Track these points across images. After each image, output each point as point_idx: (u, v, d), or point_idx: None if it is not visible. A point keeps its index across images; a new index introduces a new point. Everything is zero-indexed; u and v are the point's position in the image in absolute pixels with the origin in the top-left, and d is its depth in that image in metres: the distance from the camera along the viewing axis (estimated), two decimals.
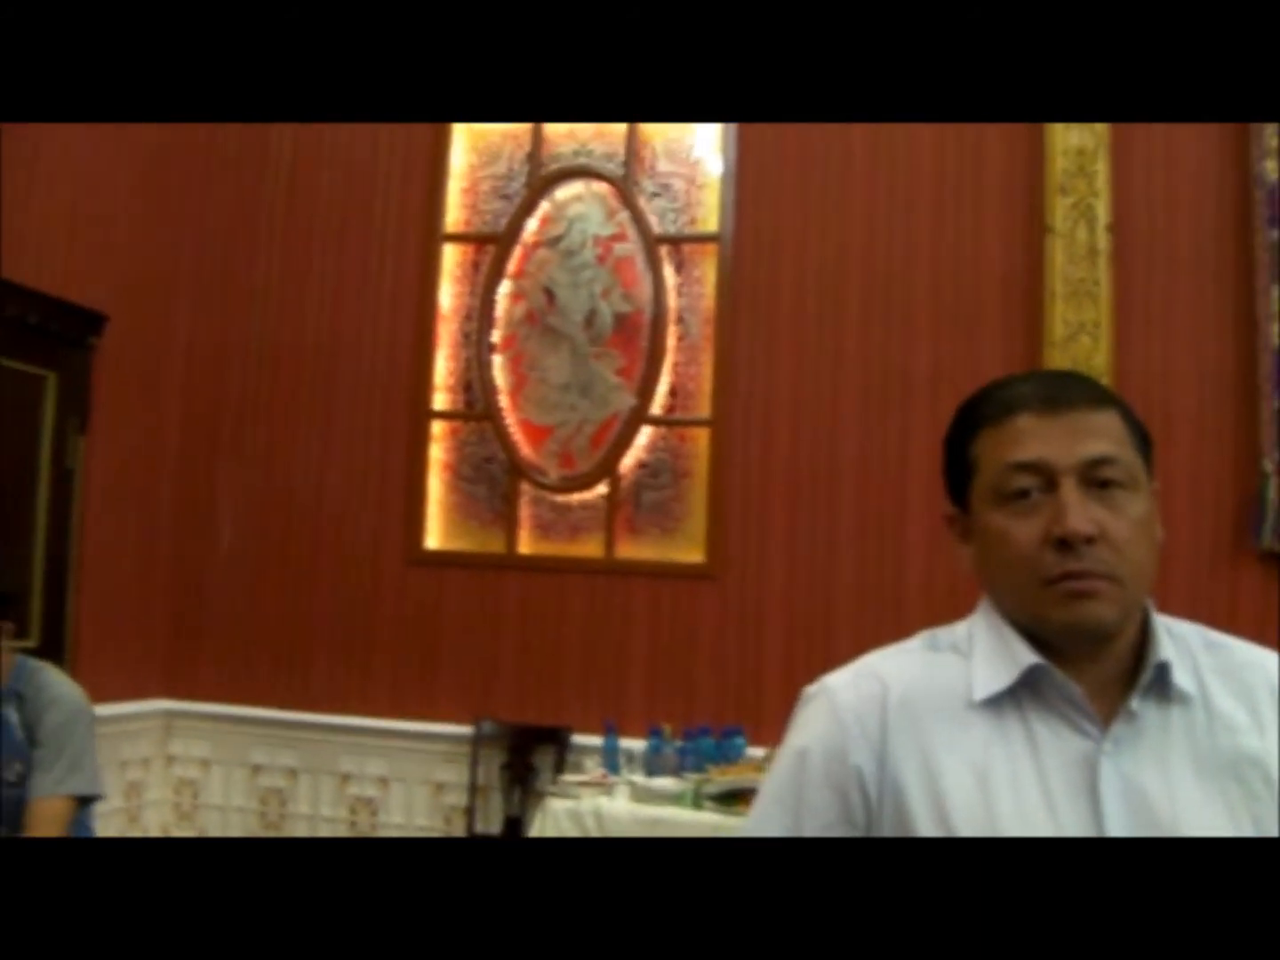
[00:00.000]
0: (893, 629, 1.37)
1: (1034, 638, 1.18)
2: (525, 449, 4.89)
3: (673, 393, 4.80)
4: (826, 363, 4.59)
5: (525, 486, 4.89)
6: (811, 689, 1.27)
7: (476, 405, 4.95)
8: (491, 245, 4.98)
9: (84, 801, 2.83)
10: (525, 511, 4.90)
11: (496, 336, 4.95)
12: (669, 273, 4.82)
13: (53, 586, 4.43)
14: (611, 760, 4.38)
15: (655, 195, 4.86)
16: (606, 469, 4.79)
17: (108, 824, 4.24)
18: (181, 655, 5.07)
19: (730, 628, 4.61)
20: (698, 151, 4.84)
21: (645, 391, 4.77)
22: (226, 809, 5.00)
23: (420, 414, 4.96)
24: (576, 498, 4.84)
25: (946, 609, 1.35)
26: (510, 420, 4.91)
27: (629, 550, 4.77)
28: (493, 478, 4.92)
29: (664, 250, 4.83)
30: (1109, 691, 1.16)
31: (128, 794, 4.84)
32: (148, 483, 5.02)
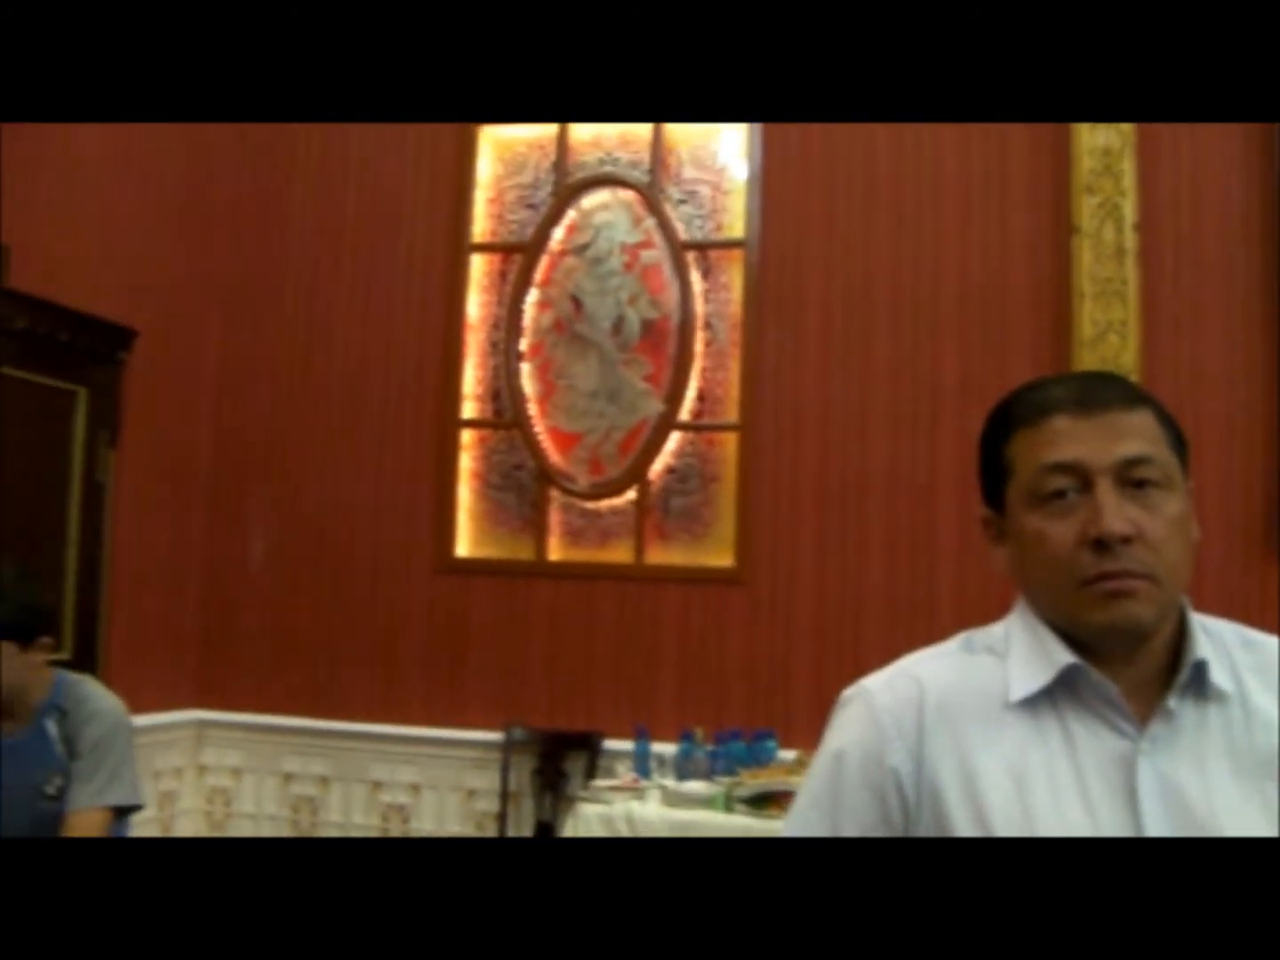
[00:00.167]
0: (923, 633, 1.37)
1: (1070, 638, 1.18)
2: (554, 456, 4.90)
3: (700, 398, 4.80)
4: (854, 366, 4.59)
5: (554, 493, 4.90)
6: (849, 692, 1.27)
7: (505, 413, 4.97)
8: (518, 254, 5.00)
9: (122, 812, 2.83)
10: (554, 518, 4.91)
11: (524, 345, 4.96)
12: (696, 279, 4.82)
13: (84, 599, 4.46)
14: (643, 765, 4.38)
15: (681, 202, 4.87)
16: (635, 475, 4.80)
17: (141, 833, 4.24)
18: (213, 665, 5.09)
19: (760, 632, 4.60)
20: (723, 158, 4.84)
21: (673, 397, 4.77)
22: (259, 817, 5.03)
23: (449, 423, 4.98)
24: (606, 504, 4.85)
25: (977, 613, 1.35)
26: (539, 428, 4.92)
27: (658, 556, 4.78)
28: (522, 485, 4.94)
29: (690, 256, 4.83)
30: (1146, 691, 1.16)
31: (161, 804, 4.87)
32: (178, 495, 5.05)
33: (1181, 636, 1.18)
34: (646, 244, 4.87)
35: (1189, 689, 1.16)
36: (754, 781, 4.01)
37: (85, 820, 2.71)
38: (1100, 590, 1.13)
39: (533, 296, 4.97)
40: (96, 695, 2.86)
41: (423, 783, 4.85)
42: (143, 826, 4.42)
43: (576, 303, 4.91)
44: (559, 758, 4.65)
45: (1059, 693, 1.17)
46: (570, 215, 4.97)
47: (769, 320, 4.69)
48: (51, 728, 2.77)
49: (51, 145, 4.21)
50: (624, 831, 3.93)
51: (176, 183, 4.97)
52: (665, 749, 4.41)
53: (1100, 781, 1.13)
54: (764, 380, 4.68)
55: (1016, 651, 1.21)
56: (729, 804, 3.97)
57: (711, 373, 4.79)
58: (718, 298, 4.81)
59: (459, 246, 5.03)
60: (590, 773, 4.55)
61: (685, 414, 4.80)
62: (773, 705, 4.51)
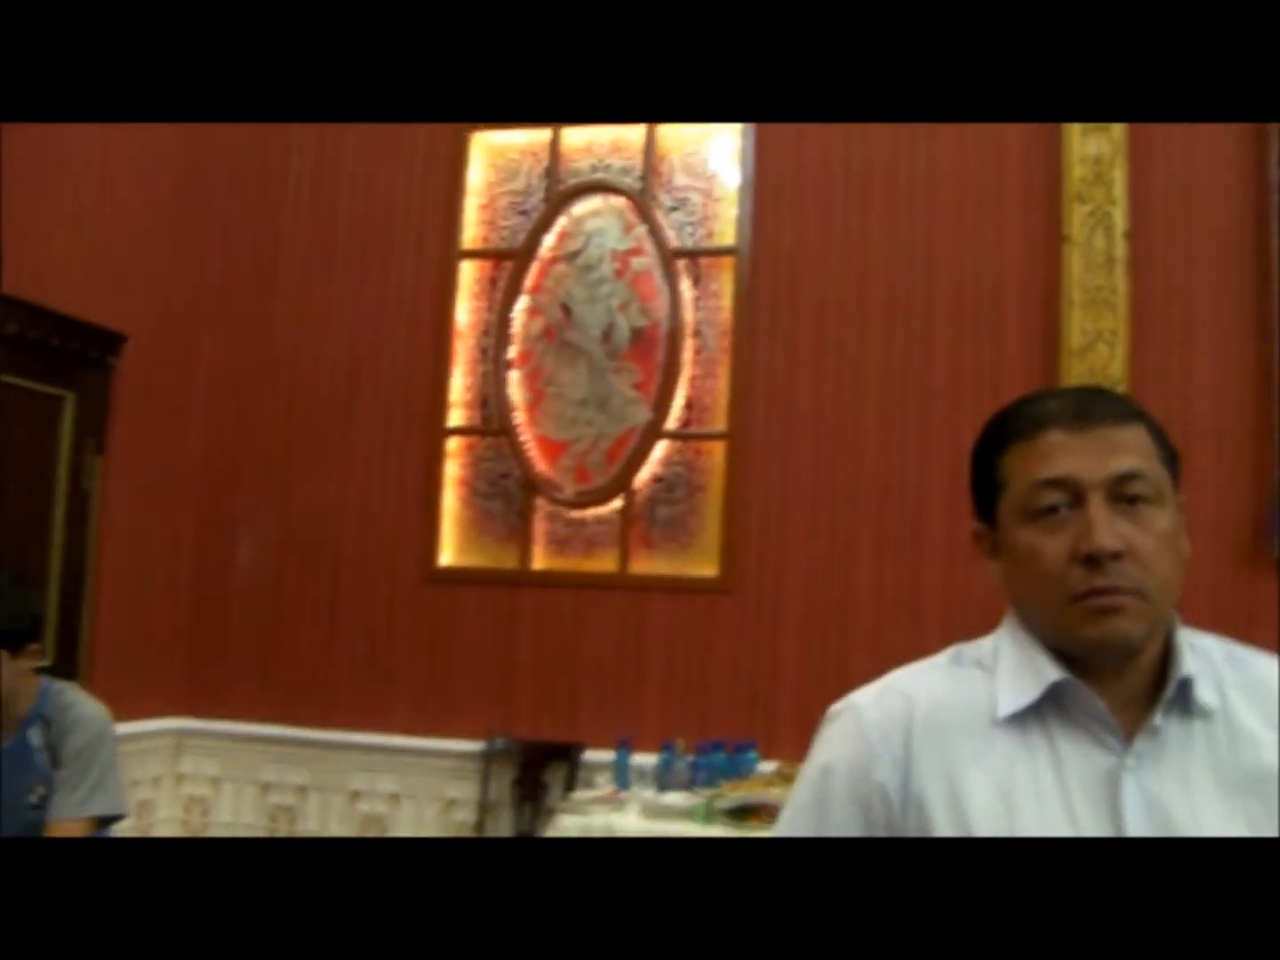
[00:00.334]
0: (910, 644, 1.37)
1: (1060, 653, 1.18)
2: (541, 464, 4.86)
3: (689, 406, 4.76)
4: (844, 375, 4.55)
5: (540, 502, 4.86)
6: (837, 706, 1.28)
7: (492, 421, 4.93)
8: (509, 261, 4.98)
9: (105, 821, 2.79)
10: (540, 527, 4.87)
11: (513, 352, 4.94)
12: (686, 286, 4.80)
13: (68, 606, 4.42)
14: (623, 776, 4.32)
15: (673, 209, 4.85)
16: (622, 484, 4.76)
17: None
18: (200, 673, 5.06)
19: (745, 642, 4.55)
20: (714, 165, 4.83)
21: (661, 405, 4.74)
22: (236, 826, 4.96)
23: (436, 430, 4.95)
24: (591, 513, 4.81)
25: (964, 624, 1.36)
26: (526, 436, 4.89)
27: (644, 565, 4.73)
28: (508, 493, 4.90)
29: (681, 264, 4.81)
30: (1133, 707, 1.17)
31: (139, 813, 4.80)
32: (166, 502, 5.02)
33: (1168, 652, 1.19)
34: (637, 251, 4.85)
35: (1175, 705, 1.17)
36: (734, 793, 3.95)
37: (68, 830, 2.69)
38: (1091, 606, 1.14)
39: (523, 303, 4.95)
40: (80, 702, 2.84)
41: (401, 792, 4.79)
42: (120, 835, 4.37)
43: (566, 310, 4.89)
44: (539, 768, 4.59)
45: (1046, 708, 1.18)
46: (561, 222, 4.95)
47: (759, 328, 4.67)
48: (35, 736, 2.75)
49: (42, 150, 4.20)
50: None
51: (168, 189, 4.98)
52: (646, 760, 4.35)
53: (1085, 798, 1.13)
54: (753, 389, 4.65)
55: (1005, 667, 1.22)
56: (709, 816, 3.91)
57: (700, 381, 4.76)
58: (708, 305, 4.78)
59: (450, 252, 5.01)
60: (570, 784, 4.48)
61: (673, 422, 4.76)
62: (756, 717, 4.45)
